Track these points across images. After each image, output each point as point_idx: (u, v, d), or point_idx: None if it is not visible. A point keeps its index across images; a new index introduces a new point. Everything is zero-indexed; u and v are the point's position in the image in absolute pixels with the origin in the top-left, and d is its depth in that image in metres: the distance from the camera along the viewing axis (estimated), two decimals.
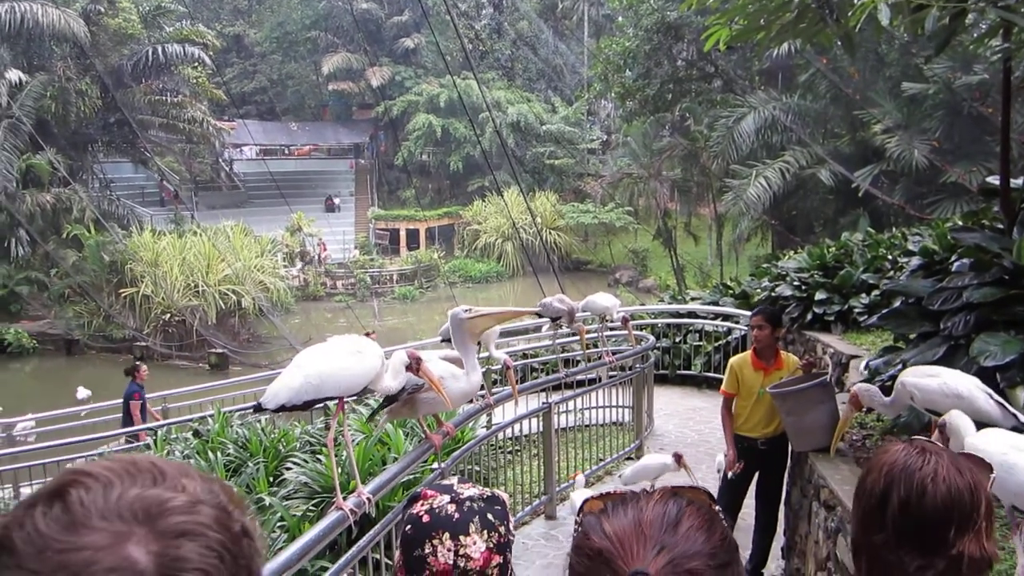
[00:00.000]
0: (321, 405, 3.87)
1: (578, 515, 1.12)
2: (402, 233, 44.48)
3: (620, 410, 9.56)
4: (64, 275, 30.04)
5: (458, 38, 36.57)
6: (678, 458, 6.64)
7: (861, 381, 4.88)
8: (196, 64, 34.66)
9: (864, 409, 4.48)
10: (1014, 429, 3.45)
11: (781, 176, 20.14)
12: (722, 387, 6.32)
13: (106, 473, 0.77)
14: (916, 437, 1.69)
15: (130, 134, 33.02)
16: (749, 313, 10.58)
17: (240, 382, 13.85)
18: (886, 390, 4.25)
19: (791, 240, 21.07)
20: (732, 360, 6.37)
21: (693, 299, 14.07)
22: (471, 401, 5.18)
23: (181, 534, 0.74)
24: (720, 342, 11.86)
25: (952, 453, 1.60)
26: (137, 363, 12.20)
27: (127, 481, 0.76)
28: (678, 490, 1.10)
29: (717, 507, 1.09)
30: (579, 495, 6.56)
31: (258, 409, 3.71)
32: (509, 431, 7.44)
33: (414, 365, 3.90)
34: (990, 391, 3.79)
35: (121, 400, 11.82)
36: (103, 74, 31.59)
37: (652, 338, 10.37)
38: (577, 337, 8.40)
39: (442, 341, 6.75)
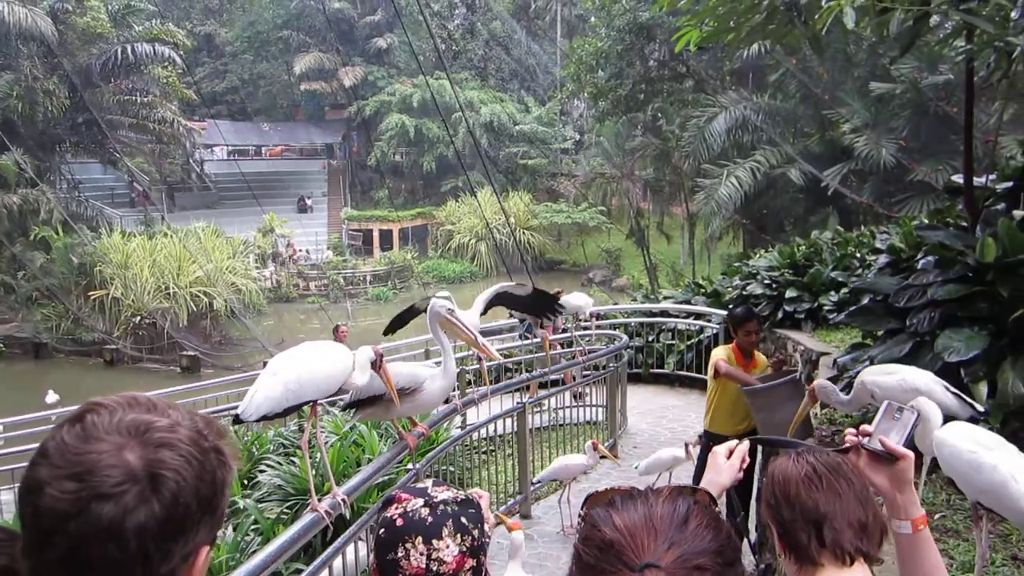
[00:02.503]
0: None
1: (583, 508, 1.14)
2: (375, 234, 44.32)
3: (593, 409, 9.58)
4: (32, 277, 29.59)
5: (431, 38, 36.52)
6: (687, 448, 6.66)
7: (828, 378, 4.94)
8: (166, 63, 34.29)
9: (820, 403, 4.56)
10: (971, 420, 3.55)
11: (752, 175, 20.34)
12: (723, 369, 6.06)
13: (113, 403, 1.10)
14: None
15: (99, 134, 32.59)
16: (721, 312, 10.78)
17: (212, 384, 13.73)
18: (851, 387, 4.33)
19: (762, 239, 21.31)
20: (718, 350, 6.30)
21: (666, 298, 14.10)
22: (446, 401, 5.19)
23: (161, 444, 1.06)
24: (692, 340, 11.90)
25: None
26: (338, 324, 11.78)
27: (127, 409, 1.09)
28: (684, 489, 1.13)
29: (718, 508, 1.12)
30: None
31: (237, 421, 3.70)
32: (483, 431, 7.40)
33: (377, 361, 3.93)
34: (947, 384, 3.87)
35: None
36: (71, 73, 31.17)
37: (625, 337, 10.35)
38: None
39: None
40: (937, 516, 4.13)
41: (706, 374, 6.51)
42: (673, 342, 12.26)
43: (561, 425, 9.10)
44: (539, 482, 7.35)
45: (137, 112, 34.02)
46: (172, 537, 1.04)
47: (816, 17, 4.40)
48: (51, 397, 18.15)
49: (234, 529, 5.48)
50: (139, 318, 28.69)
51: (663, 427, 10.18)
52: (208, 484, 1.08)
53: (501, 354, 10.73)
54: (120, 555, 1.00)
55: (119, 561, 1.00)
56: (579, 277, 38.78)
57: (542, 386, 8.74)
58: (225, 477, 1.12)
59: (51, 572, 1.01)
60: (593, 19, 34.07)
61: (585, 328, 10.12)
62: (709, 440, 6.22)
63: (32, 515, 1.01)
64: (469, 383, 9.07)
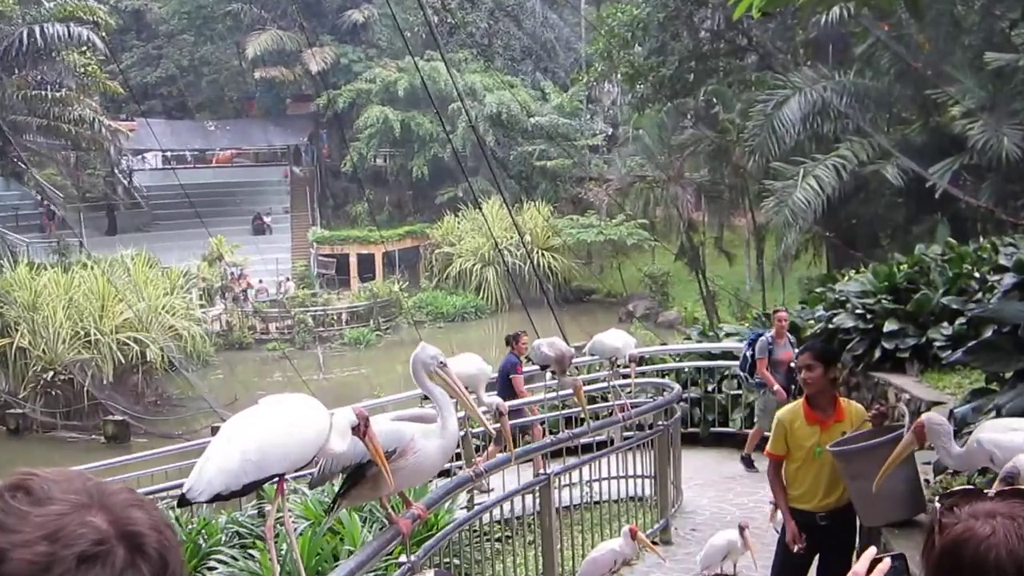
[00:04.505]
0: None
1: None
2: (352, 260, 44.63)
3: (639, 481, 9.54)
4: None
5: (420, 8, 36.90)
6: (742, 530, 6.71)
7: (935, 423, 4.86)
8: (85, 48, 34.68)
9: (926, 445, 4.55)
10: None
11: (836, 175, 20.34)
12: (767, 447, 6.37)
13: (51, 474, 1.20)
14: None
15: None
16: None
17: (146, 458, 13.75)
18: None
19: (851, 256, 21.22)
20: (779, 413, 6.35)
21: (728, 335, 14.02)
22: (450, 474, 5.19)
23: (130, 506, 1.18)
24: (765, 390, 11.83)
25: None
26: (519, 333, 12.23)
27: (71, 478, 1.20)
28: None
29: None
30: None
31: (183, 502, 3.72)
32: (497, 511, 7.31)
33: (361, 426, 3.93)
34: None
35: None
36: None
37: (677, 387, 10.26)
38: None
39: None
40: None
41: None
42: (740, 392, 12.17)
43: (597, 503, 9.00)
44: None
45: (48, 111, 34.33)
46: None
47: None
48: None
49: None
50: (51, 373, 28.78)
51: (729, 502, 10.11)
52: (178, 555, 1.21)
53: (516, 410, 10.72)
54: None
55: None
56: (616, 310, 38.85)
57: (571, 452, 8.68)
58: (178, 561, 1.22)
59: None
60: None
61: (625, 376, 9.93)
62: (791, 518, 6.18)
63: None
64: (478, 449, 9.04)
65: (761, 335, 11.04)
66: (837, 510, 6.06)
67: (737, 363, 12.08)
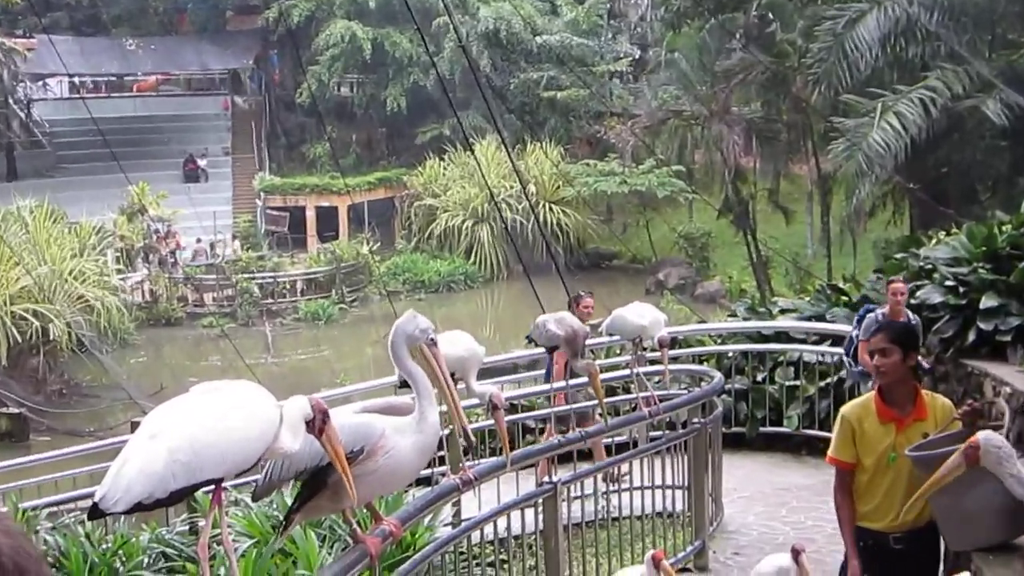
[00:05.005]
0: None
1: None
2: (310, 214, 44.57)
3: (668, 492, 9.32)
4: None
5: None
6: (796, 555, 6.53)
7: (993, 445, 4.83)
8: None
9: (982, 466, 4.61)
10: None
11: (923, 111, 20.26)
12: (830, 453, 6.28)
13: None
14: None
15: None
16: None
17: (49, 460, 13.75)
18: None
19: (940, 214, 21.18)
20: (844, 409, 6.28)
21: (784, 312, 13.88)
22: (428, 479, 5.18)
23: None
24: (829, 380, 11.66)
25: None
26: (582, 294, 12.27)
27: None
28: None
29: None
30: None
31: (97, 514, 3.72)
32: (489, 529, 7.12)
33: (317, 420, 3.92)
34: None
35: None
36: None
37: (719, 376, 9.97)
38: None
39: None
40: None
41: None
42: (797, 383, 12.07)
43: (615, 519, 8.84)
44: None
45: None
46: None
47: None
48: None
49: None
50: None
51: (781, 519, 9.96)
52: (42, 567, 1.29)
53: (515, 404, 10.52)
54: None
55: None
56: (642, 280, 38.78)
57: (583, 456, 8.69)
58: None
59: None
60: None
61: (653, 362, 9.96)
62: (858, 539, 6.09)
63: None
64: (467, 452, 9.04)
65: (872, 311, 10.80)
66: (916, 531, 5.95)
67: (795, 346, 12.20)
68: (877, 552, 6.02)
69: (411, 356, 4.48)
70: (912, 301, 10.65)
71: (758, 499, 10.66)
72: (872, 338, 6.34)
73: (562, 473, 7.98)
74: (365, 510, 5.00)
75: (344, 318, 38.33)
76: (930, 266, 11.13)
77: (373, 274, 40.21)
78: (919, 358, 6.84)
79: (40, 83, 45.99)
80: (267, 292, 39.16)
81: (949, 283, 10.48)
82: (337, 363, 31.77)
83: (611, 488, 9.19)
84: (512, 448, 7.58)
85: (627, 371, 9.37)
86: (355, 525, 4.68)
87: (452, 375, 5.25)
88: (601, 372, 7.99)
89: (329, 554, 6.57)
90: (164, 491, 3.62)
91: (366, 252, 40.97)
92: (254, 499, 6.55)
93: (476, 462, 7.42)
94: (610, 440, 9.13)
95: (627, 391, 10.16)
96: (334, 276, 39.95)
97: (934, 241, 12.82)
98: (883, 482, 6.06)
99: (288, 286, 39.75)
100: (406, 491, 6.37)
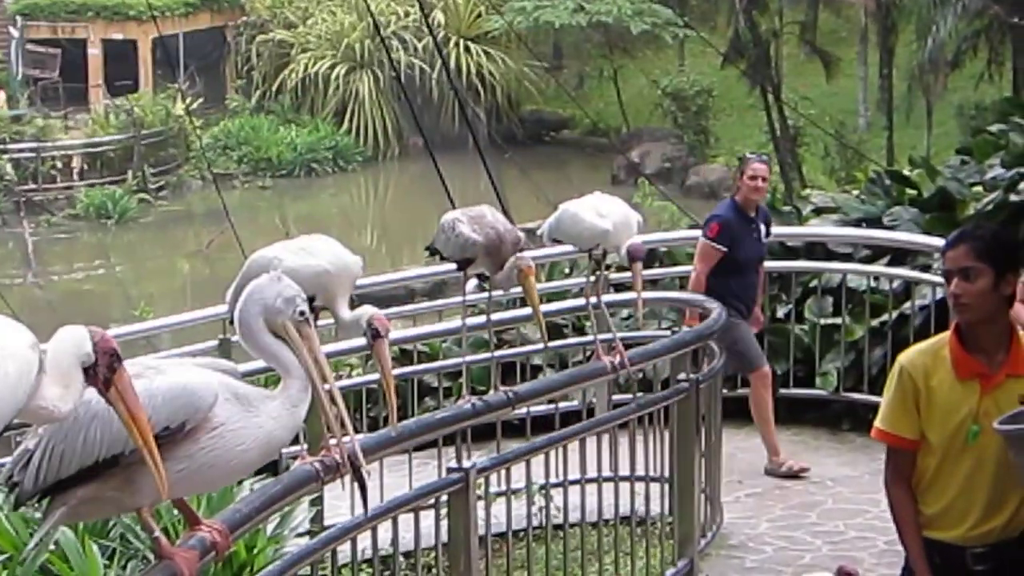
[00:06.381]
0: None
1: None
2: (94, 52, 38.57)
3: (641, 487, 8.07)
4: None
5: None
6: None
7: None
8: None
9: None
10: None
11: None
12: (878, 423, 5.27)
13: None
14: None
15: None
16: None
17: None
18: None
19: None
20: (903, 358, 5.23)
21: (820, 212, 12.68)
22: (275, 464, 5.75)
23: None
24: (886, 318, 10.29)
25: None
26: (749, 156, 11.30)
27: None
28: None
29: None
30: None
31: None
32: (366, 540, 5.95)
33: (103, 365, 3.18)
34: None
35: None
36: None
37: (719, 307, 8.72)
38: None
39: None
40: None
41: None
42: (837, 321, 10.61)
43: (558, 528, 7.68)
44: None
45: None
46: None
47: None
48: None
49: None
50: None
51: (810, 528, 8.70)
52: None
53: (407, 350, 10.12)
54: None
55: None
56: (608, 160, 35.10)
57: (512, 429, 7.90)
58: None
59: None
60: None
61: (621, 288, 9.57)
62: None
63: None
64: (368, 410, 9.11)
65: None
66: (1009, 542, 5.10)
67: (836, 264, 11.15)
68: (951, 570, 5.28)
69: (273, 332, 3.79)
70: (1011, 198, 10.42)
71: (775, 498, 9.40)
72: (948, 252, 5.34)
73: (478, 456, 7.25)
74: (175, 510, 4.50)
75: (146, 215, 33.25)
76: None
77: (192, 147, 34.75)
78: (1021, 284, 5.74)
79: None
80: (26, 173, 33.64)
81: None
82: (135, 286, 28.26)
83: (552, 480, 7.81)
84: (402, 414, 7.12)
85: (580, 301, 8.56)
86: (159, 532, 3.90)
87: (311, 301, 4.72)
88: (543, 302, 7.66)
89: (121, 573, 6.00)
90: None
91: (181, 112, 34.59)
92: (16, 505, 4.93)
93: (348, 439, 5.50)
94: (552, 409, 8.08)
95: (580, 332, 9.62)
96: (132, 150, 34.55)
97: None
98: (959, 470, 5.24)
99: (60, 164, 34.29)
100: (240, 482, 5.67)
